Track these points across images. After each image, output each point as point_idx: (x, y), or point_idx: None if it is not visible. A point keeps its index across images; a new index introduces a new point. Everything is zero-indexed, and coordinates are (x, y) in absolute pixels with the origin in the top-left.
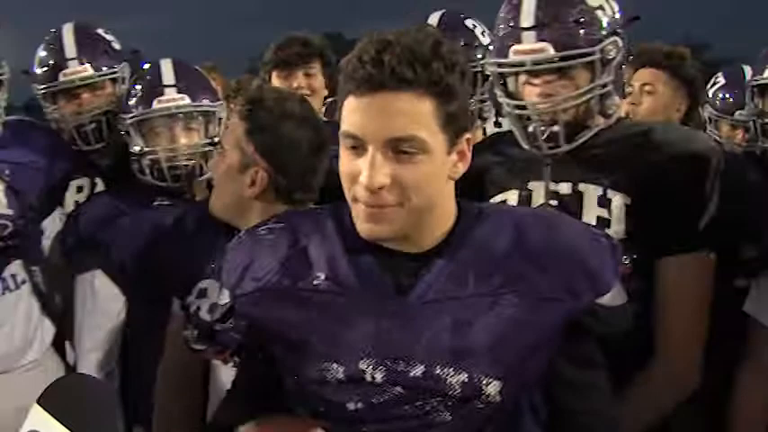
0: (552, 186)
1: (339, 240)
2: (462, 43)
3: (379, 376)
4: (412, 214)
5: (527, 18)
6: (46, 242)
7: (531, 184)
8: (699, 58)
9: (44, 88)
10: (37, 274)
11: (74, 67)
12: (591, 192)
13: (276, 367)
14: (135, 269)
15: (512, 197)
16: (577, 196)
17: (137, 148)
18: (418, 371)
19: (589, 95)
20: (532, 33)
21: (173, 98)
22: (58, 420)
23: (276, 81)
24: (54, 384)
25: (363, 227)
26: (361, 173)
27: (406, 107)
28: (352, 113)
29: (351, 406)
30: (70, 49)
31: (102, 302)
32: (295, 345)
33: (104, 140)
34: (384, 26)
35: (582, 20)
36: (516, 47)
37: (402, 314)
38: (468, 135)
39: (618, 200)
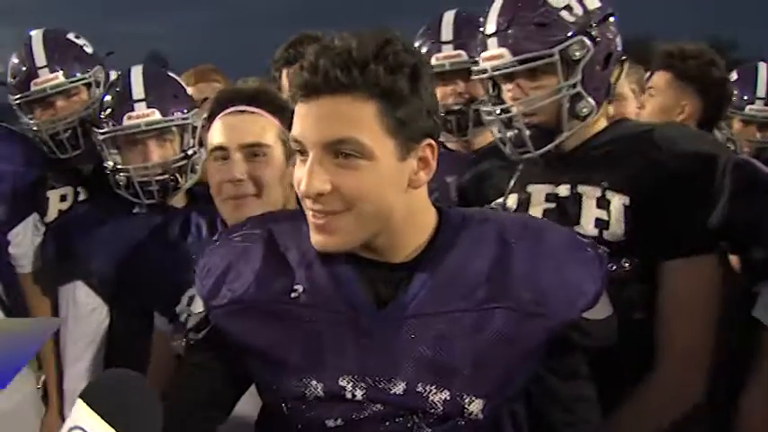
0: (551, 189)
1: (315, 249)
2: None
3: (359, 393)
4: (363, 224)
5: (490, 25)
6: (16, 250)
7: (530, 188)
8: (726, 57)
9: (17, 98)
10: None
11: (44, 75)
12: (589, 193)
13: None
14: (115, 280)
15: (510, 200)
16: (576, 198)
17: (110, 164)
18: (399, 388)
19: (554, 97)
20: (494, 40)
21: (143, 113)
22: (101, 417)
23: (286, 79)
24: (97, 380)
25: (314, 239)
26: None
27: (342, 111)
28: (297, 119)
29: (330, 423)
30: (40, 57)
31: (84, 313)
32: (272, 359)
33: (80, 147)
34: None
35: (541, 22)
36: (483, 54)
37: (382, 329)
38: (429, 141)
39: (616, 200)
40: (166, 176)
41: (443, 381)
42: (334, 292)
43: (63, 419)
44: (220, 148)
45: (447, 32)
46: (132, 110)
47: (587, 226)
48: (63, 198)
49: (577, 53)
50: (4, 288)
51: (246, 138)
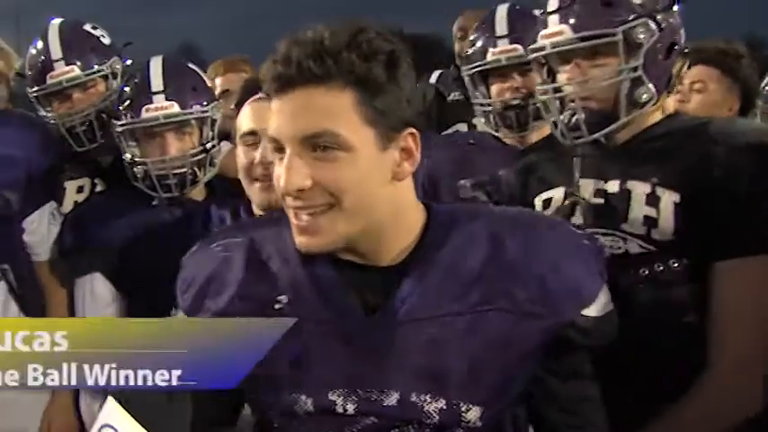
0: (600, 184)
1: (298, 255)
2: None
3: (350, 407)
4: (347, 220)
5: (552, 2)
6: (31, 238)
7: (580, 182)
8: (759, 55)
9: (34, 91)
10: (9, 273)
11: (60, 68)
12: (639, 189)
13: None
14: (133, 273)
15: (557, 194)
16: (625, 194)
17: (127, 156)
18: (392, 399)
19: (613, 79)
20: (556, 17)
21: (161, 106)
22: (132, 416)
23: None
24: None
25: (297, 240)
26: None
27: (318, 102)
28: (273, 116)
29: None
30: (55, 49)
31: (101, 306)
32: (258, 374)
33: (97, 141)
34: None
35: (606, 1)
36: (542, 32)
37: (372, 337)
38: (411, 130)
39: (666, 197)
40: (184, 170)
41: (438, 389)
42: (319, 300)
43: (78, 410)
44: (251, 132)
45: (501, 27)
46: (151, 102)
47: (635, 223)
48: (80, 189)
49: (641, 36)
50: (17, 279)
51: None
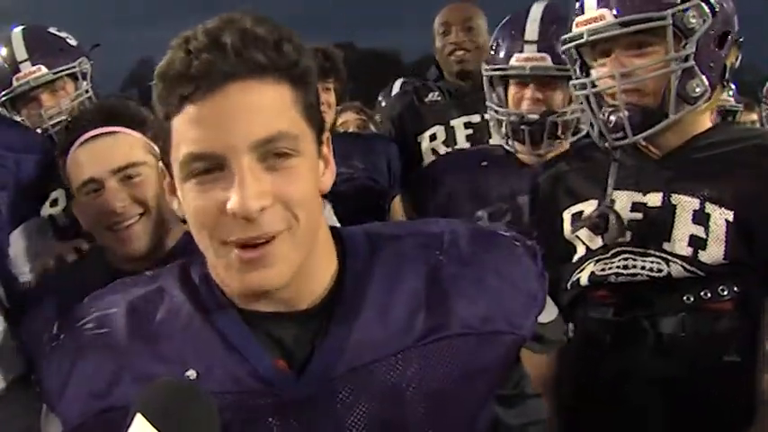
0: (638, 197)
1: (197, 314)
2: None
3: None
4: (301, 246)
5: None
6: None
7: (615, 194)
8: None
9: (1, 96)
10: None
11: (26, 69)
12: (686, 205)
13: None
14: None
15: (588, 208)
16: (669, 209)
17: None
18: None
19: (661, 71)
20: (593, 1)
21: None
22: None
23: (323, 93)
24: (154, 392)
25: (243, 279)
26: (227, 201)
27: (264, 99)
28: (193, 128)
29: None
30: (20, 51)
31: None
32: None
33: None
34: (396, 35)
35: None
36: (578, 18)
37: (310, 400)
38: (327, 134)
39: (718, 215)
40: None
41: None
42: (236, 366)
43: None
44: (91, 180)
45: (532, 31)
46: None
47: (680, 243)
48: (54, 203)
49: (693, 20)
50: (6, 291)
51: (117, 161)
